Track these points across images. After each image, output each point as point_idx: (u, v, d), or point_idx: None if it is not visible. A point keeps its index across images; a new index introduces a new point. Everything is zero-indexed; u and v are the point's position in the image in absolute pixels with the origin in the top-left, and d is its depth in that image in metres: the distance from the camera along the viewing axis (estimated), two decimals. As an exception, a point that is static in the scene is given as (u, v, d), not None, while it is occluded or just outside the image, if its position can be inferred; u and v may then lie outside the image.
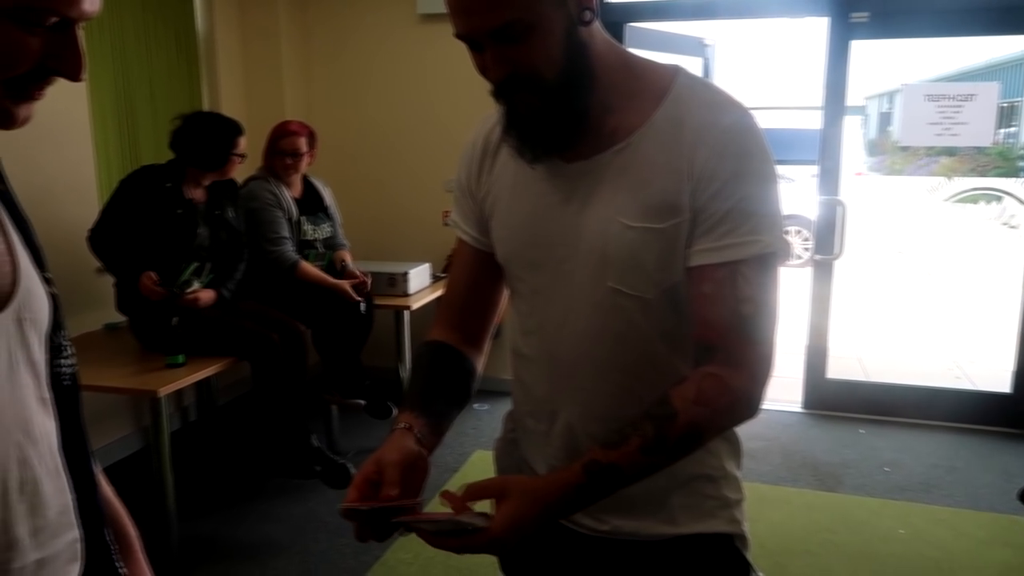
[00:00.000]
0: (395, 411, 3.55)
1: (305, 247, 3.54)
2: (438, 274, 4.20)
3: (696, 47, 4.75)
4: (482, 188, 1.17)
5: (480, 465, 3.49)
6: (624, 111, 1.04)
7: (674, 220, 1.01)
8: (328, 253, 3.64)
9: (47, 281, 0.87)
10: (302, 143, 3.51)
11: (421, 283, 3.92)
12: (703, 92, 1.05)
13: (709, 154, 0.99)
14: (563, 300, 1.08)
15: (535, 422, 1.16)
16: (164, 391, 2.56)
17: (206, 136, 3.04)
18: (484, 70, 1.01)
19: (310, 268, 3.45)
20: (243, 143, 3.12)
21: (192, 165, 3.06)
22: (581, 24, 0.99)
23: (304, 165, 3.56)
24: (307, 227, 3.56)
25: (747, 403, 0.99)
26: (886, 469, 3.60)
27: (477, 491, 0.94)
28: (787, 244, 1.01)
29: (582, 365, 1.08)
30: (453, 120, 4.33)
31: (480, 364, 1.23)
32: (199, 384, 3.67)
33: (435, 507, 1.00)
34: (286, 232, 3.42)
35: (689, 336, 1.04)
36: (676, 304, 1.05)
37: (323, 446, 3.20)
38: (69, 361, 0.91)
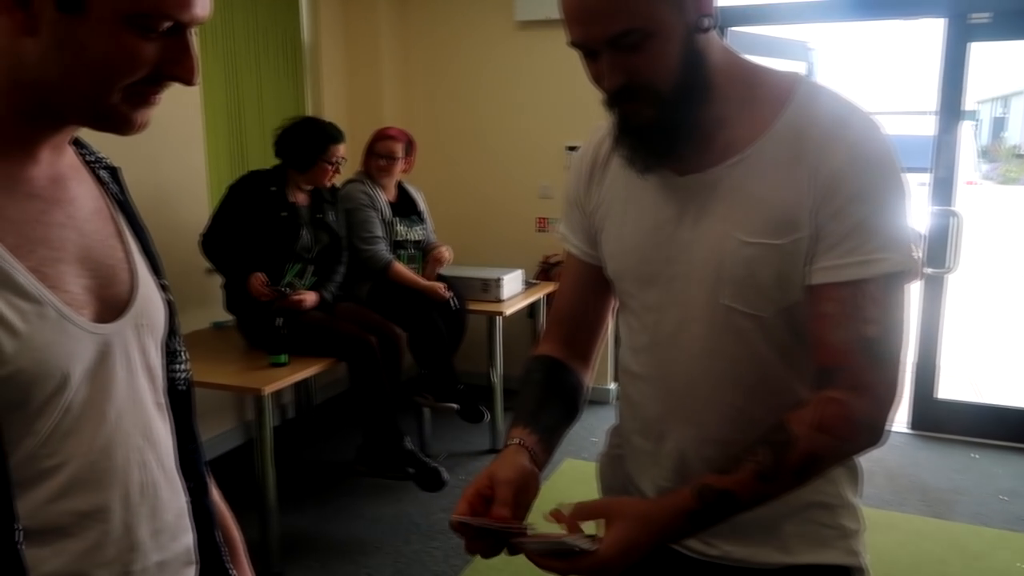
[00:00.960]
0: (487, 416, 3.60)
1: (398, 247, 3.61)
2: (530, 280, 4.20)
3: (800, 51, 4.60)
4: (592, 201, 1.16)
5: (571, 473, 3.47)
6: (741, 122, 1.01)
7: (794, 236, 0.97)
8: (419, 254, 3.70)
9: (163, 288, 0.90)
10: (398, 148, 3.58)
11: (514, 289, 3.92)
12: (826, 101, 1.00)
13: (834, 167, 0.95)
14: (675, 317, 1.05)
15: (643, 440, 1.14)
16: (268, 389, 2.64)
17: (298, 140, 3.14)
18: (598, 79, 0.99)
19: (403, 269, 3.51)
20: (337, 151, 3.16)
21: (291, 168, 3.16)
22: (699, 32, 0.96)
23: (398, 170, 3.63)
24: (400, 227, 3.63)
25: (871, 431, 0.94)
26: (1003, 498, 3.38)
27: (584, 511, 0.92)
28: (916, 262, 0.96)
29: (695, 385, 1.05)
30: (549, 127, 4.33)
31: (589, 379, 1.21)
32: (297, 383, 3.78)
33: (535, 519, 0.99)
34: (380, 232, 3.49)
35: (808, 358, 1.00)
36: (794, 324, 1.00)
37: (416, 449, 3.24)
38: (183, 367, 0.94)
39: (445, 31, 4.47)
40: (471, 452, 3.87)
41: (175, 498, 0.86)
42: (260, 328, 3.00)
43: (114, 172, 0.91)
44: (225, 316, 3.28)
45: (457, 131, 4.54)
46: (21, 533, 0.69)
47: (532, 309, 4.21)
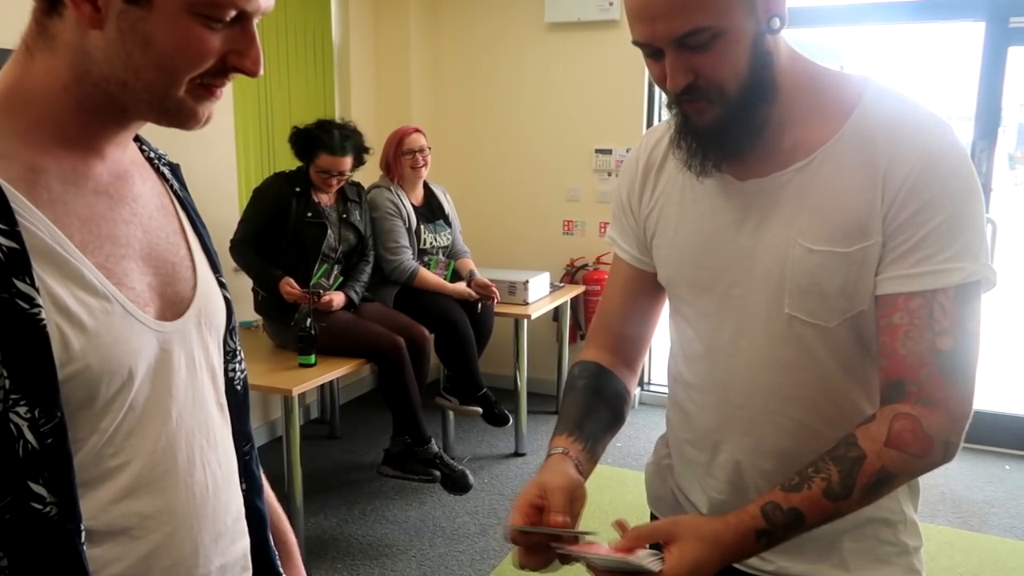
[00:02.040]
0: (511, 420, 3.58)
1: (424, 255, 3.57)
2: (556, 283, 4.18)
3: (829, 55, 4.55)
4: (645, 206, 1.13)
5: (593, 480, 3.43)
6: (806, 126, 0.98)
7: (862, 244, 0.94)
8: (451, 262, 3.68)
9: (222, 285, 0.89)
10: (423, 139, 3.54)
11: (540, 292, 3.89)
12: (897, 104, 0.97)
13: (906, 173, 0.91)
14: (734, 326, 1.03)
15: (696, 451, 1.11)
16: (298, 390, 2.64)
17: (297, 144, 3.11)
18: (661, 79, 0.96)
19: (429, 275, 3.48)
20: (327, 162, 3.04)
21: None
22: (769, 32, 0.93)
23: (429, 162, 3.58)
24: (426, 235, 3.59)
25: (944, 447, 0.91)
26: (1038, 511, 3.32)
27: (647, 533, 0.89)
28: (993, 272, 0.92)
29: (754, 396, 1.02)
30: (577, 129, 4.30)
31: (633, 386, 1.18)
32: (321, 383, 3.78)
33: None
34: (405, 241, 3.46)
35: (874, 370, 0.97)
36: (859, 334, 0.97)
37: (441, 451, 3.22)
38: (241, 366, 0.92)
39: (475, 33, 4.46)
40: (495, 456, 3.85)
41: (234, 500, 0.85)
42: (289, 329, 2.99)
43: (175, 169, 0.90)
44: (252, 316, 3.28)
45: (485, 133, 4.52)
46: (84, 534, 0.68)
47: (557, 312, 4.19)
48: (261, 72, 0.75)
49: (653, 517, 1.23)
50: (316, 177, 3.10)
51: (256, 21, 0.74)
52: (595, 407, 1.11)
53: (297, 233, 3.07)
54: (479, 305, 3.51)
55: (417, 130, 3.57)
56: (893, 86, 1.00)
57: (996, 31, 3.56)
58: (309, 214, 3.09)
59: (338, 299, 3.10)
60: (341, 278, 3.22)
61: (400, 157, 3.52)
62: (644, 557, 0.85)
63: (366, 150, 3.21)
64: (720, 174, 1.02)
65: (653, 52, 0.94)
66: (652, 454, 1.26)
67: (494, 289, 3.55)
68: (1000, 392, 4.92)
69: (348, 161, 3.09)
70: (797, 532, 0.89)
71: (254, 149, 3.81)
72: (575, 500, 0.96)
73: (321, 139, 3.05)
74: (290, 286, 2.97)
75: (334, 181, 3.11)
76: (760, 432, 1.03)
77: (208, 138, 3.38)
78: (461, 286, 3.50)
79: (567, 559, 0.91)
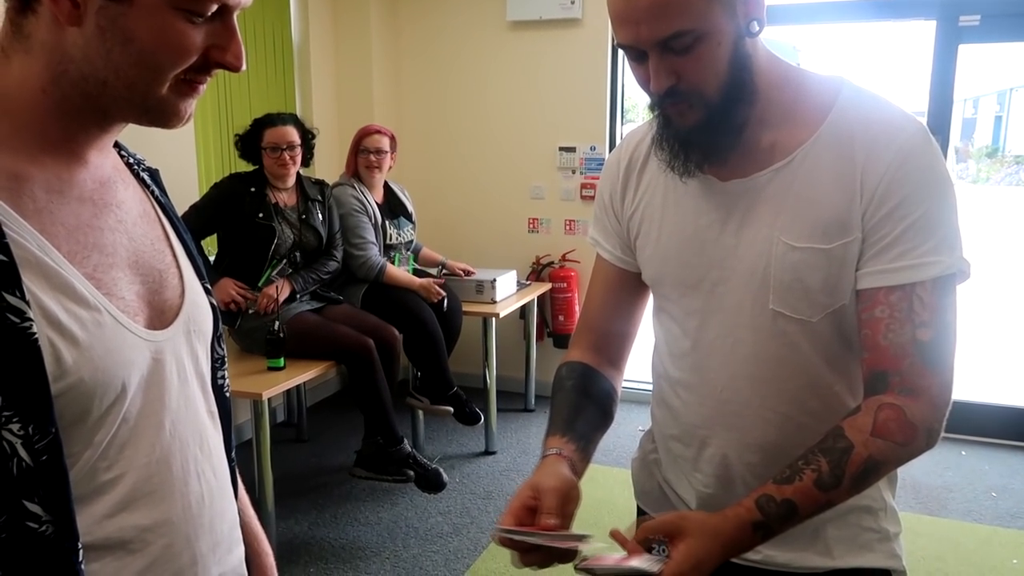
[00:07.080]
0: (482, 418, 3.58)
1: (389, 250, 3.57)
2: (523, 281, 4.19)
3: (787, 52, 4.63)
4: (628, 207, 1.14)
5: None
6: (784, 127, 1.00)
7: (842, 240, 0.96)
8: (412, 256, 3.68)
9: (207, 292, 0.88)
10: (385, 142, 3.53)
11: (508, 291, 3.90)
12: (872, 105, 1.00)
13: (884, 171, 0.94)
14: (720, 323, 1.05)
15: (682, 447, 1.12)
16: (267, 394, 2.60)
17: (242, 138, 3.14)
18: (644, 81, 0.97)
19: (396, 271, 3.47)
20: (272, 134, 3.08)
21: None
22: (748, 35, 0.95)
23: (387, 166, 3.59)
24: (391, 231, 3.59)
25: (927, 434, 0.93)
26: (993, 494, 3.43)
27: (652, 529, 0.90)
28: (967, 264, 0.95)
29: (740, 391, 1.04)
30: (541, 127, 4.31)
31: (619, 384, 1.19)
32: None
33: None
34: (371, 236, 3.44)
35: (856, 363, 0.99)
36: (842, 329, 1.00)
37: (414, 451, 3.21)
38: (226, 372, 0.91)
39: (436, 31, 4.44)
40: (466, 455, 3.85)
41: (228, 509, 0.84)
42: (255, 332, 2.95)
43: (155, 174, 0.88)
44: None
45: (448, 131, 4.51)
46: (81, 552, 0.67)
47: (524, 310, 4.20)
48: (243, 67, 0.74)
49: (640, 511, 1.25)
50: (270, 162, 3.08)
51: (236, 15, 0.73)
52: (584, 407, 1.12)
53: (246, 233, 3.03)
54: (443, 303, 3.51)
55: (379, 131, 3.55)
56: (866, 86, 1.02)
57: (946, 29, 3.67)
58: (261, 214, 3.04)
59: (270, 292, 3.01)
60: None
61: (357, 154, 3.53)
62: (646, 560, 0.86)
63: (310, 130, 3.23)
64: (702, 175, 1.04)
65: (637, 55, 0.95)
66: (638, 449, 1.28)
67: (459, 271, 3.71)
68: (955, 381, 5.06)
69: (292, 130, 3.12)
70: (791, 523, 0.91)
71: (215, 150, 3.74)
72: (569, 500, 0.97)
73: (260, 120, 3.14)
74: (229, 286, 2.95)
75: (286, 156, 3.08)
76: (746, 426, 1.05)
77: (167, 139, 3.30)
78: (430, 283, 3.50)
79: (565, 559, 0.92)
